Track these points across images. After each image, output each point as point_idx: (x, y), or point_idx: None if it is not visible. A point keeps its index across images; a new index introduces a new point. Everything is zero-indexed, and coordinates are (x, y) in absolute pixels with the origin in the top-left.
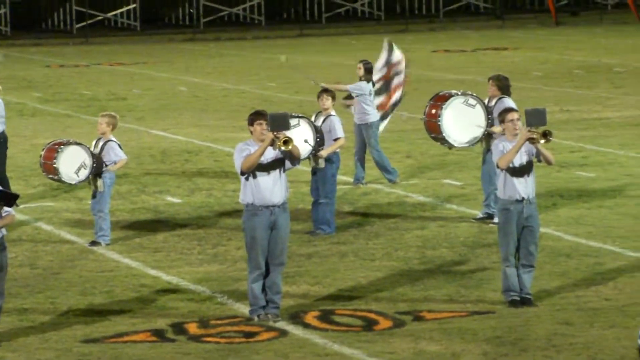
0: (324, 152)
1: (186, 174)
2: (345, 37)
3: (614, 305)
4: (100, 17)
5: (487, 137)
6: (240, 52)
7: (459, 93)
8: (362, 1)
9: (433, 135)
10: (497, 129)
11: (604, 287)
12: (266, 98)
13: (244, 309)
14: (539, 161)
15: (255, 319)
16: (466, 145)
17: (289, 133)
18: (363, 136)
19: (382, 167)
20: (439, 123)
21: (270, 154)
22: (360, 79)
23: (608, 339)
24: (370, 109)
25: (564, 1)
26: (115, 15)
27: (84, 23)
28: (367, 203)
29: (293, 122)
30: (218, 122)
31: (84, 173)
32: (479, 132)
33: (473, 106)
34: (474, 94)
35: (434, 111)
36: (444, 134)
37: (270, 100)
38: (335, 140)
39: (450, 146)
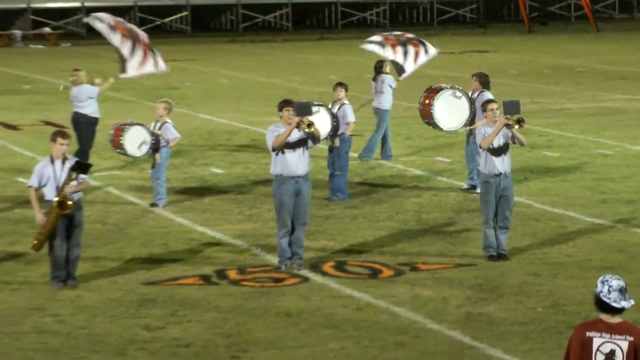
0: (346, 133)
1: (228, 150)
2: (357, 40)
3: (574, 260)
4: (158, 22)
5: (471, 123)
6: (272, 51)
7: (448, 87)
8: (371, 11)
9: (426, 120)
10: (479, 124)
11: (565, 246)
12: (292, 89)
13: (273, 259)
14: (514, 143)
15: (283, 267)
16: (454, 129)
17: (311, 118)
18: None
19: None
20: (431, 111)
21: (295, 135)
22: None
23: (569, 288)
24: (380, 97)
25: (535, 13)
26: (171, 20)
27: (146, 27)
28: (374, 175)
29: (314, 109)
30: (253, 108)
31: (144, 148)
32: (463, 119)
33: (459, 98)
34: (460, 88)
35: (427, 101)
36: (435, 120)
37: (295, 91)
38: (348, 123)
39: (441, 130)
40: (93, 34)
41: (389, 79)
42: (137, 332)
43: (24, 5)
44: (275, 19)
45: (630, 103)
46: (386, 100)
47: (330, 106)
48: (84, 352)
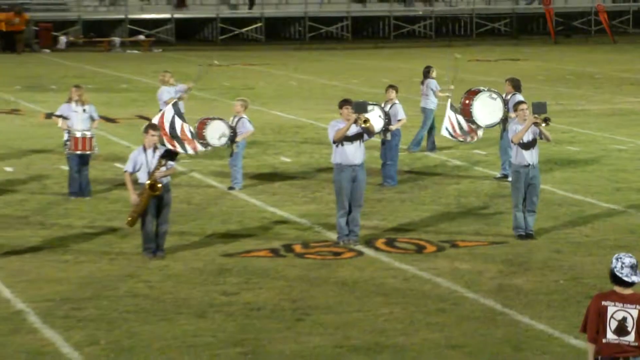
0: (392, 127)
1: (295, 142)
2: (406, 49)
3: (592, 240)
4: (236, 32)
5: (504, 121)
6: (333, 58)
7: (486, 89)
8: (419, 24)
9: (466, 118)
10: (512, 114)
11: (584, 227)
12: (351, 90)
13: (333, 236)
14: (541, 138)
15: (341, 243)
16: (490, 126)
17: (367, 115)
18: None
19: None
20: (470, 110)
21: (353, 129)
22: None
23: (587, 264)
24: (427, 98)
25: (561, 27)
26: (248, 30)
27: (225, 36)
28: (420, 165)
29: (370, 107)
30: (317, 106)
31: (224, 139)
32: (497, 117)
33: (495, 99)
34: (496, 90)
35: (467, 101)
36: (474, 118)
37: (354, 92)
38: (399, 120)
39: (478, 127)
40: (181, 41)
41: (433, 84)
42: (215, 297)
43: (122, 16)
44: (336, 30)
45: None
46: (431, 101)
47: (383, 105)
48: (170, 314)
